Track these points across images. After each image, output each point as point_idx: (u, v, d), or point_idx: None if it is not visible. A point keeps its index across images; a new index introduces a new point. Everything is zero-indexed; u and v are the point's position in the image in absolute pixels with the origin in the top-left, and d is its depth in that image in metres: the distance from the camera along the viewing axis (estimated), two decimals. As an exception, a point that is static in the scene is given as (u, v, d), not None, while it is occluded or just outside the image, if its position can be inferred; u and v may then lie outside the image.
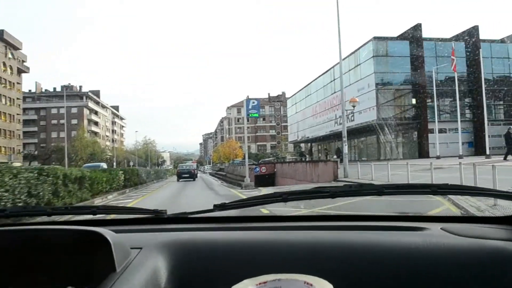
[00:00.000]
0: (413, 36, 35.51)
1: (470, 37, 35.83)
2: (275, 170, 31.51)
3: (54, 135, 77.46)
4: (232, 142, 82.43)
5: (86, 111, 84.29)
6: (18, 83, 65.24)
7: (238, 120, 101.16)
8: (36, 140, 78.14)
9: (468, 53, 35.18)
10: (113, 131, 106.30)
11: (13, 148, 62.23)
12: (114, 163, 61.29)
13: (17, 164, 44.96)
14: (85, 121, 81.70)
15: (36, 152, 68.90)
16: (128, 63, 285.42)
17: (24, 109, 71.79)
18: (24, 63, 67.49)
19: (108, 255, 0.85)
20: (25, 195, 9.02)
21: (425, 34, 35.76)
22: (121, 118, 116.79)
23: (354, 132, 37.76)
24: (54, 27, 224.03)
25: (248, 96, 57.58)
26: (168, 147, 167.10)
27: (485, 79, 26.55)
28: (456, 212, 6.83)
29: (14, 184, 8.59)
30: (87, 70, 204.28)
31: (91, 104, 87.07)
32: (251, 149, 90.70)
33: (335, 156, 26.81)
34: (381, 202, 7.38)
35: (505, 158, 17.89)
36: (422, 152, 33.67)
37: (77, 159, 55.42)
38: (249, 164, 28.44)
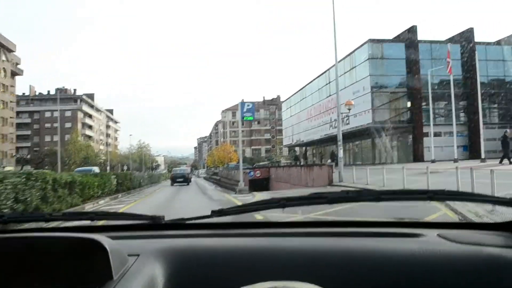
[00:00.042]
0: (409, 38, 35.39)
1: (466, 40, 35.79)
2: (270, 174, 31.41)
3: (47, 138, 77.16)
4: (227, 146, 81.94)
5: (80, 115, 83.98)
6: (11, 85, 64.91)
7: (233, 124, 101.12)
8: (29, 144, 77.81)
9: (463, 55, 35.16)
10: (107, 135, 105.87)
11: (6, 152, 61.80)
12: (108, 167, 60.97)
13: (9, 168, 44.71)
14: (79, 125, 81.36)
15: (29, 156, 68.29)
16: (127, 63, 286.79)
17: (18, 112, 71.42)
18: (18, 66, 67.15)
19: (105, 262, 0.85)
20: (12, 200, 8.77)
21: (420, 36, 35.64)
22: (115, 122, 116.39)
23: (349, 136, 37.56)
24: (53, 28, 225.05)
25: (243, 100, 57.36)
26: (163, 151, 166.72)
27: (480, 82, 26.50)
28: (453, 217, 6.82)
29: (0, 190, 8.35)
30: (85, 70, 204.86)
31: (85, 108, 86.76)
32: (246, 153, 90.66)
33: (329, 160, 26.71)
34: (378, 207, 7.23)
35: (500, 162, 17.86)
36: (417, 155, 33.40)
37: (70, 163, 54.91)
38: (243, 168, 28.29)
